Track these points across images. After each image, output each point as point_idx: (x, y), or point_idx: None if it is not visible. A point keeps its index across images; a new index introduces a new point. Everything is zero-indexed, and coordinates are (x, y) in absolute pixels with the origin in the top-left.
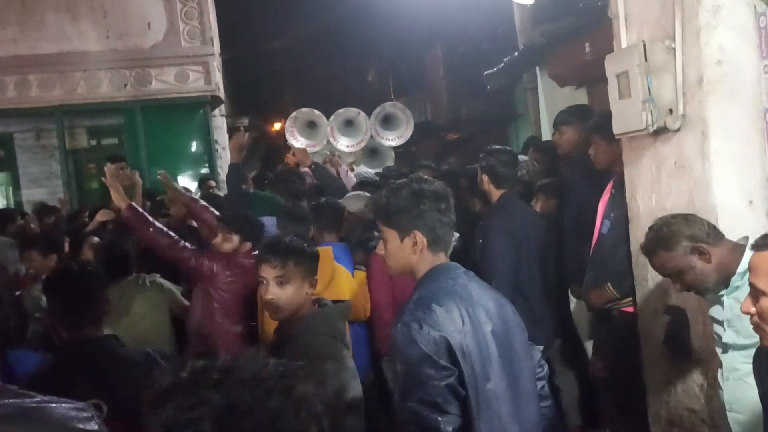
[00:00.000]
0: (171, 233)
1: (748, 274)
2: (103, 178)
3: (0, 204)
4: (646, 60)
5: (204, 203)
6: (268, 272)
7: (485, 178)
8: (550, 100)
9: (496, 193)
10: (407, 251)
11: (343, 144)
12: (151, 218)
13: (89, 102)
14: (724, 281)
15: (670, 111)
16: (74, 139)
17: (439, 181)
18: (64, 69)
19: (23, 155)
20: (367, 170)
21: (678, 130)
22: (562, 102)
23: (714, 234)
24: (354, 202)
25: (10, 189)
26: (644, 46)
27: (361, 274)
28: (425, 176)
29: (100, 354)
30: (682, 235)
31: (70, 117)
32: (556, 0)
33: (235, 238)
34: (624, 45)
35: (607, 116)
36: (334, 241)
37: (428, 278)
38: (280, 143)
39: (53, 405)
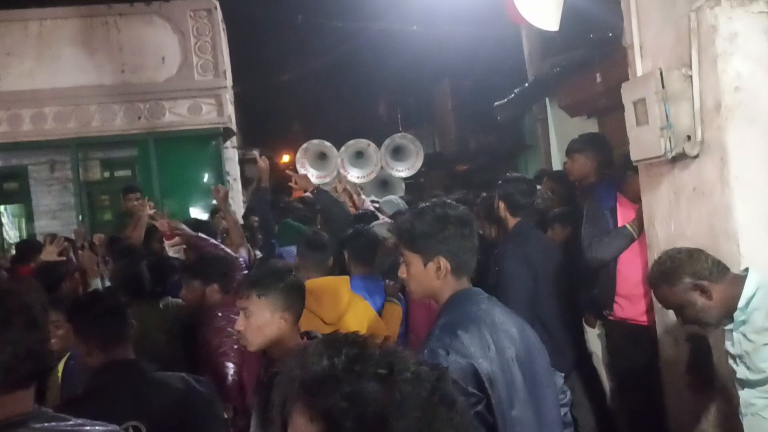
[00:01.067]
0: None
1: (750, 307)
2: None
3: (13, 236)
4: (663, 87)
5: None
6: (238, 303)
7: (502, 205)
8: (561, 130)
9: (512, 221)
10: (430, 276)
11: (354, 175)
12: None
13: (104, 134)
14: (728, 316)
15: (688, 137)
16: (88, 171)
17: (463, 206)
18: (79, 102)
19: (38, 187)
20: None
21: (696, 156)
22: (573, 132)
23: (718, 270)
24: (382, 229)
25: (23, 220)
26: (661, 73)
27: (392, 308)
28: (449, 200)
29: (136, 377)
30: (685, 271)
31: (84, 149)
32: (566, 32)
33: (196, 284)
34: (639, 73)
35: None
36: (366, 272)
37: (452, 304)
38: (288, 174)
39: (87, 428)
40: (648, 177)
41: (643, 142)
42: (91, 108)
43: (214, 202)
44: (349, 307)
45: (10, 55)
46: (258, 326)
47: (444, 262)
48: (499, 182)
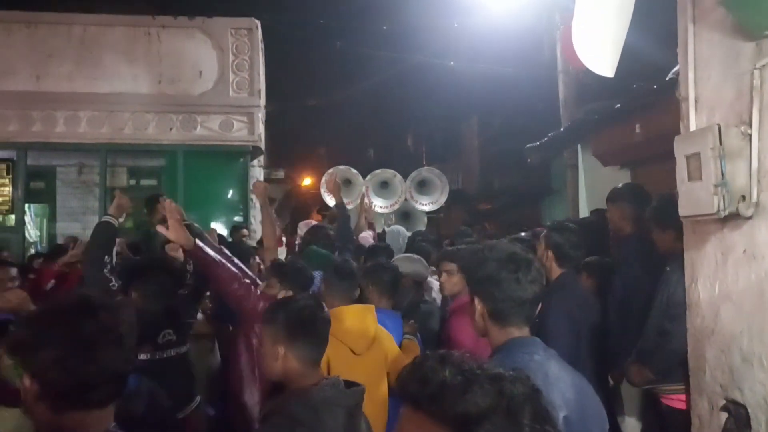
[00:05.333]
0: (233, 269)
1: None
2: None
3: (34, 235)
4: (720, 143)
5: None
6: None
7: (549, 254)
8: (591, 178)
9: (556, 272)
10: (477, 315)
11: (378, 205)
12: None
13: (134, 142)
14: None
15: (743, 197)
16: (115, 177)
17: (519, 251)
18: (114, 108)
19: (64, 189)
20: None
21: (750, 217)
22: (604, 181)
23: None
24: (407, 264)
25: (46, 221)
26: (719, 129)
27: (412, 345)
28: (504, 243)
29: None
30: None
31: (113, 155)
32: (604, 80)
33: (274, 282)
34: (693, 127)
35: (664, 202)
36: (387, 306)
37: (502, 350)
38: (309, 198)
39: None
40: (694, 234)
41: (694, 198)
42: (125, 115)
43: (237, 219)
44: (376, 338)
45: (51, 57)
46: (264, 355)
47: (480, 305)
48: (546, 230)
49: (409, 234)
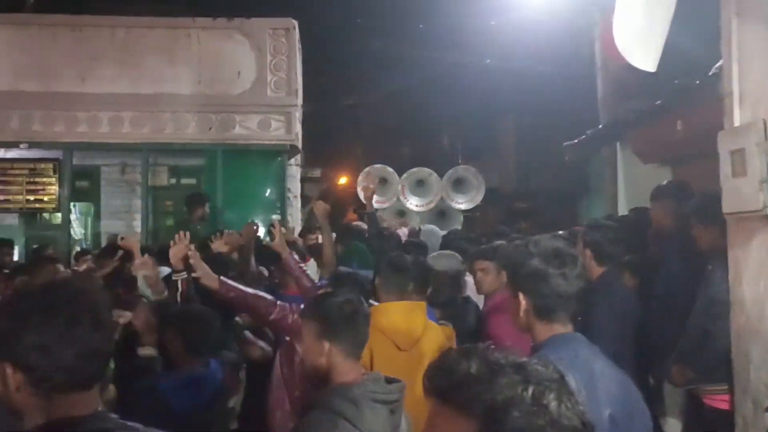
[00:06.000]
0: (263, 295)
1: None
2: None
3: (79, 233)
4: (765, 139)
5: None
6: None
7: (588, 253)
8: (630, 176)
9: (597, 270)
10: (518, 311)
11: (413, 203)
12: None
13: (174, 142)
14: None
15: None
16: (156, 177)
17: (564, 246)
18: (155, 109)
19: (107, 188)
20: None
21: None
22: (644, 179)
23: None
24: (442, 261)
25: (90, 219)
26: (764, 124)
27: (447, 330)
28: (549, 238)
29: None
30: None
31: (155, 155)
32: (643, 76)
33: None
34: (737, 122)
35: (707, 199)
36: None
37: (546, 346)
38: (345, 196)
39: None
40: (738, 231)
41: (738, 194)
42: (166, 115)
43: (274, 217)
44: (425, 333)
45: (94, 59)
46: (304, 350)
47: (525, 301)
48: (584, 229)
49: (443, 233)
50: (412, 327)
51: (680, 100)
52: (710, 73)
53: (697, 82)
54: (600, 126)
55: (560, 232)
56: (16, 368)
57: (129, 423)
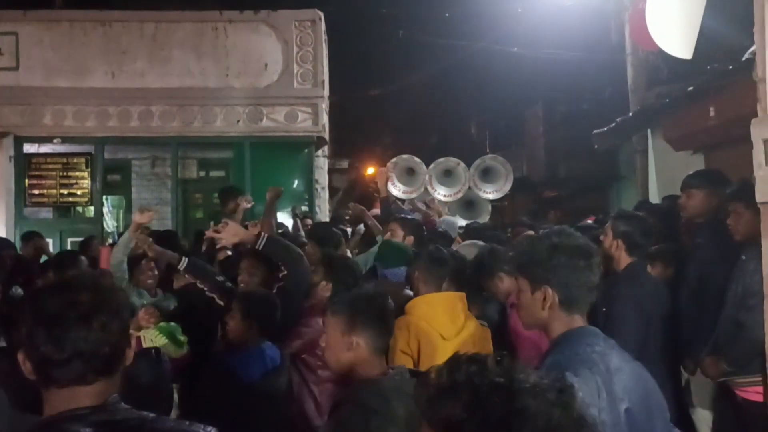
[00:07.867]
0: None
1: None
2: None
3: (112, 226)
4: None
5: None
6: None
7: (618, 242)
8: (662, 163)
9: (625, 260)
10: (537, 305)
11: (441, 193)
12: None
13: (203, 135)
14: None
15: None
16: (185, 170)
17: (584, 237)
18: (183, 103)
19: (138, 181)
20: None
21: None
22: (675, 166)
23: None
24: (469, 250)
25: (122, 212)
26: None
27: (486, 331)
28: (570, 230)
29: None
30: None
31: (184, 148)
32: (674, 62)
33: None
34: None
35: (751, 184)
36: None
37: (563, 342)
38: (373, 187)
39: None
40: None
41: None
42: (194, 109)
43: (302, 208)
44: (465, 325)
45: (125, 54)
46: (329, 346)
47: (550, 293)
48: (613, 219)
49: (463, 224)
50: (455, 316)
51: (713, 85)
52: (744, 58)
53: (731, 67)
54: (630, 113)
55: (588, 221)
56: (23, 355)
57: (138, 412)
